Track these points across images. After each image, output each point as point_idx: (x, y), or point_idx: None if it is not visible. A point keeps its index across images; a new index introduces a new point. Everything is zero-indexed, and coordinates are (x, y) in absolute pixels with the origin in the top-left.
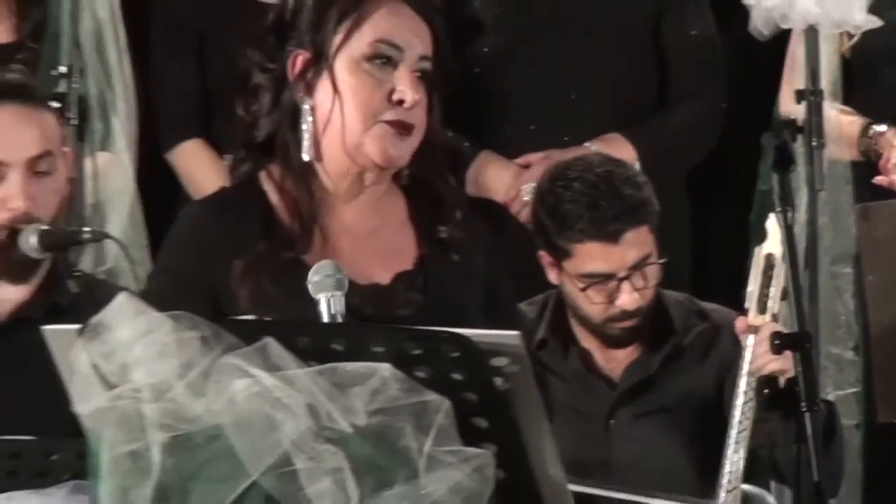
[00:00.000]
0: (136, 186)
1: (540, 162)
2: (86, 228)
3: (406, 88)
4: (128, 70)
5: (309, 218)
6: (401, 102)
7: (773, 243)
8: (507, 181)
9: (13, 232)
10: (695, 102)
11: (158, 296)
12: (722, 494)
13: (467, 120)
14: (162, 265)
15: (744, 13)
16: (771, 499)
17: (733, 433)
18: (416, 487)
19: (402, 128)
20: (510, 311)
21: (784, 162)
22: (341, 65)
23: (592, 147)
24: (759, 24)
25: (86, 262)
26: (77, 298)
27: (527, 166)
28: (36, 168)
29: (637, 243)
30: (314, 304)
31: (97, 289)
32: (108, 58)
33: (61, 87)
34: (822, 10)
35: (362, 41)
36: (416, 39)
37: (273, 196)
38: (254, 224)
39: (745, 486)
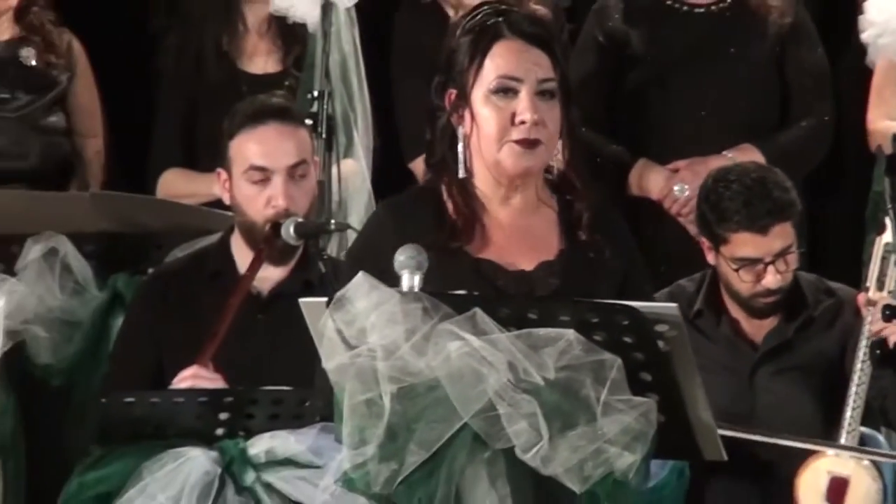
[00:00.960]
0: (371, 187)
1: (686, 167)
2: (332, 221)
3: (525, 111)
4: (366, 94)
5: (470, 217)
6: (522, 123)
7: (889, 234)
8: (660, 183)
9: (276, 224)
10: (809, 120)
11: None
12: (843, 434)
13: (628, 134)
14: (351, 253)
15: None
16: (882, 438)
17: (853, 387)
18: (594, 428)
19: (528, 144)
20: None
21: (894, 168)
22: (476, 99)
23: (729, 155)
24: (874, 57)
25: (332, 248)
26: (324, 277)
27: (676, 171)
28: (294, 174)
29: (782, 235)
30: (470, 283)
31: (340, 269)
32: (351, 84)
33: (314, 108)
34: None
35: (488, 78)
36: (533, 67)
37: (447, 201)
38: (427, 220)
39: (862, 429)
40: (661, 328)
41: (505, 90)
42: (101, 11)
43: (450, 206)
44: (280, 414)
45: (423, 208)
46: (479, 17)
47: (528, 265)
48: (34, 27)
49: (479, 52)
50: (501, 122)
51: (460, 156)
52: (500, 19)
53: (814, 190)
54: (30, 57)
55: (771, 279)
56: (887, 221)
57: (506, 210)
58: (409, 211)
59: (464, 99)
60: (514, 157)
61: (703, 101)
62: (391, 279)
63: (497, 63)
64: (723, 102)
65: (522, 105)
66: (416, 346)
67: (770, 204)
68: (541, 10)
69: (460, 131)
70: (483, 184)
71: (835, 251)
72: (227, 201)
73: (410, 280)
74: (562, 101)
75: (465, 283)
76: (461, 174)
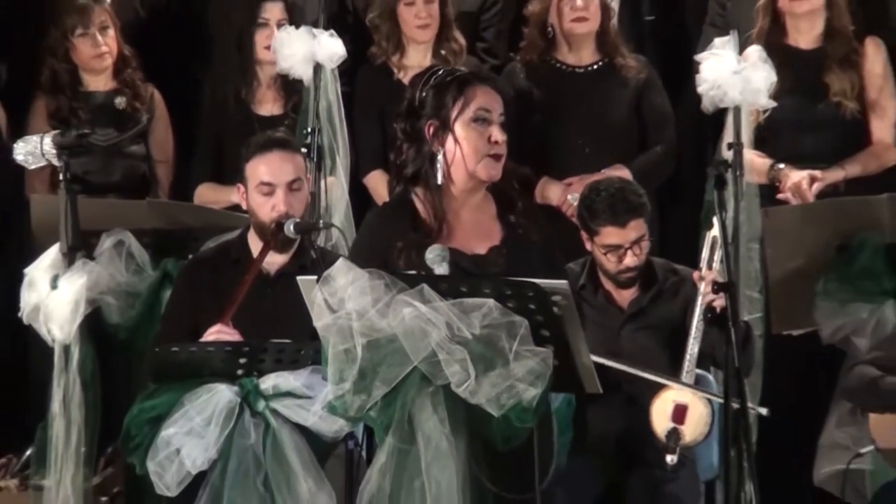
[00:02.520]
0: (349, 197)
1: (577, 182)
2: (321, 221)
3: (497, 135)
4: (345, 130)
5: (441, 216)
6: (496, 143)
7: (715, 230)
8: (558, 193)
9: (279, 224)
10: (660, 148)
11: (354, 262)
12: (683, 374)
13: (534, 158)
14: (354, 247)
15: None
16: (710, 377)
17: (690, 340)
18: (508, 370)
19: (498, 157)
20: (559, 268)
21: (720, 184)
22: (459, 127)
23: (607, 173)
24: (707, 104)
25: (320, 240)
26: (315, 262)
27: (569, 184)
28: (292, 187)
29: (637, 228)
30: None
31: (327, 256)
32: (335, 123)
33: (307, 140)
34: (742, 97)
35: (470, 111)
36: (497, 105)
37: (418, 205)
38: (405, 223)
39: (697, 370)
40: (555, 298)
41: (482, 119)
42: (162, 71)
43: (423, 208)
44: (282, 360)
45: (400, 213)
46: (444, 73)
47: (482, 250)
48: (126, 82)
49: (461, 93)
50: (481, 141)
51: (440, 169)
52: (471, 73)
53: (663, 197)
54: (121, 103)
55: (629, 260)
56: (714, 221)
57: (465, 209)
58: (390, 217)
59: (445, 128)
60: (488, 167)
61: (586, 135)
62: (392, 266)
63: (476, 100)
64: (600, 135)
65: (496, 130)
66: (380, 310)
67: (627, 205)
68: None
69: (439, 152)
70: (455, 189)
71: (678, 242)
72: (244, 207)
73: (441, 270)
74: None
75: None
76: (439, 181)
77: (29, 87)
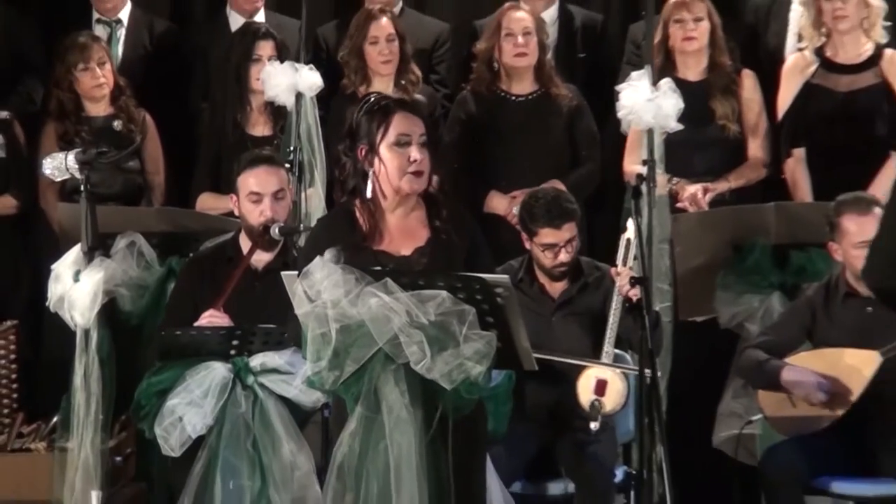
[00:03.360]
0: (325, 205)
1: (519, 195)
2: (301, 225)
3: (416, 154)
4: (322, 149)
5: (374, 224)
6: (415, 161)
7: (630, 232)
8: (504, 204)
9: (266, 227)
10: (588, 165)
11: (306, 260)
12: (604, 355)
13: (483, 174)
14: (304, 248)
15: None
16: (627, 356)
17: (610, 325)
18: (458, 351)
19: (418, 174)
20: (482, 268)
21: (636, 194)
22: (383, 149)
23: (546, 186)
24: (623, 127)
25: (301, 241)
26: (296, 259)
27: (514, 197)
28: (276, 196)
29: (569, 230)
30: (372, 266)
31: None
32: (314, 143)
33: (291, 157)
34: (655, 121)
35: (391, 136)
36: (417, 128)
37: (357, 214)
38: (344, 228)
39: (616, 350)
40: (498, 290)
41: (402, 143)
42: (165, 98)
43: (360, 217)
44: (269, 342)
45: (341, 221)
46: (372, 102)
47: (407, 251)
48: (122, 107)
49: (384, 120)
50: (402, 161)
51: (370, 184)
52: (393, 101)
53: (591, 205)
54: (118, 126)
55: (563, 257)
56: (630, 225)
57: (395, 216)
58: (333, 224)
59: (373, 150)
60: (410, 182)
61: (527, 154)
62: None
63: (397, 125)
64: (538, 154)
65: (415, 150)
66: (350, 300)
67: (561, 211)
68: (420, 97)
69: (370, 171)
70: (386, 200)
71: (601, 244)
72: (236, 213)
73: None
74: (429, 148)
75: (369, 266)
76: (369, 195)
77: (40, 113)
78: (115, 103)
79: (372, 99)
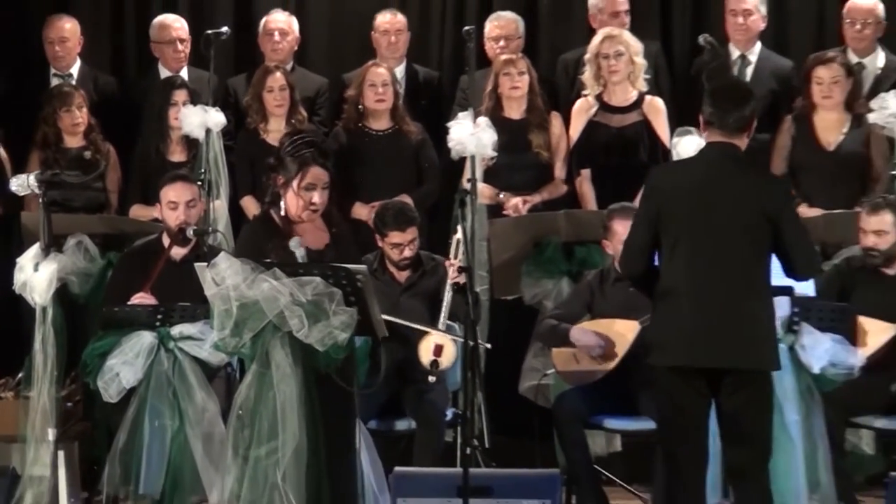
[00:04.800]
0: (228, 213)
1: (379, 205)
2: (209, 228)
3: (317, 199)
4: (226, 170)
5: (287, 229)
6: (313, 203)
7: (459, 233)
8: (366, 212)
9: (182, 229)
10: (429, 185)
11: (240, 254)
12: (440, 325)
13: (353, 189)
14: (238, 246)
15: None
16: (456, 327)
17: (444, 303)
18: (328, 322)
19: (315, 210)
20: (360, 259)
21: (462, 204)
22: (294, 188)
23: (395, 199)
24: (454, 155)
25: (210, 240)
26: (207, 254)
27: (373, 206)
28: (189, 205)
29: (411, 233)
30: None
31: (213, 250)
32: (219, 166)
33: (202, 177)
34: (476, 150)
35: (302, 182)
36: (323, 178)
37: (276, 219)
38: (265, 231)
39: (448, 322)
40: (359, 276)
41: (309, 189)
42: (112, 132)
43: (279, 222)
44: (185, 316)
45: (264, 224)
46: (298, 146)
47: (320, 247)
48: (91, 141)
49: (300, 169)
50: (306, 202)
51: (282, 205)
52: (309, 153)
53: (431, 214)
54: (88, 155)
55: (406, 253)
56: (458, 228)
57: (304, 227)
58: (258, 227)
59: (287, 185)
60: (308, 216)
61: (383, 175)
62: (260, 259)
63: (309, 175)
64: (392, 176)
65: (316, 195)
66: (248, 284)
67: (405, 218)
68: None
69: (282, 196)
70: (292, 216)
71: (439, 242)
72: (160, 218)
73: (300, 252)
74: (329, 189)
75: (292, 259)
76: (282, 213)
77: (25, 143)
78: (86, 137)
79: (299, 142)
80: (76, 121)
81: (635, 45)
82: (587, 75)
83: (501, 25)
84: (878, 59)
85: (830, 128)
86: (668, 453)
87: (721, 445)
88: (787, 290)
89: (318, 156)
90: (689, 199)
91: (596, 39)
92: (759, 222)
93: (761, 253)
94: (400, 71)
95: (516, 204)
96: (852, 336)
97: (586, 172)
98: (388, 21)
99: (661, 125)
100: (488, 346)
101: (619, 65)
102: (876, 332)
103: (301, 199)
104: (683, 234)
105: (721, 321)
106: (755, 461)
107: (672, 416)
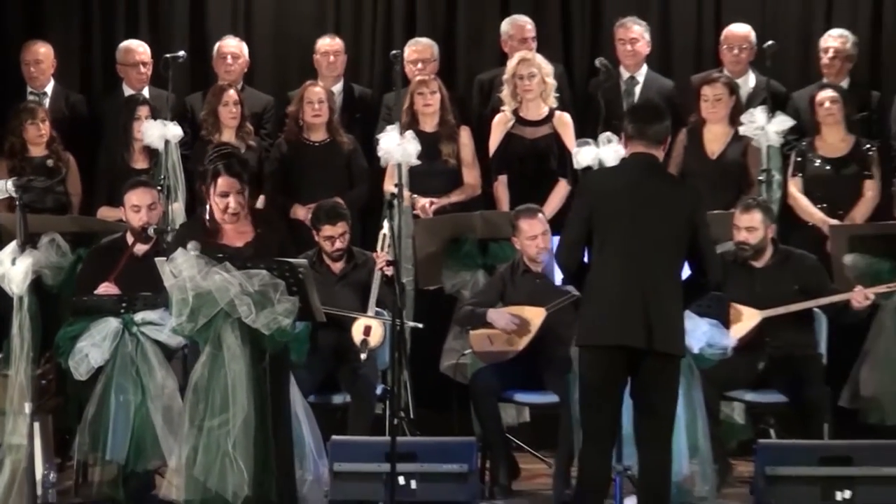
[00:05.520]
0: (185, 214)
1: (315, 207)
2: (168, 227)
3: (232, 204)
4: (183, 177)
5: (216, 228)
6: (228, 208)
7: (387, 230)
8: (304, 213)
9: (144, 228)
10: (360, 187)
11: (173, 248)
12: (370, 310)
13: (291, 193)
14: (174, 242)
15: None
16: (385, 312)
17: (373, 290)
18: (273, 309)
19: (233, 215)
20: (291, 255)
21: (391, 205)
22: (211, 196)
23: (329, 200)
24: (383, 163)
25: (168, 238)
26: (166, 250)
27: (310, 208)
28: (150, 207)
29: (342, 227)
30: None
31: (171, 247)
32: (177, 173)
33: (161, 182)
34: (402, 157)
35: (217, 190)
36: (235, 185)
37: (206, 220)
38: (198, 229)
39: (377, 308)
40: (300, 269)
41: (223, 196)
42: (76, 145)
43: (209, 224)
44: (146, 304)
45: (195, 224)
46: (213, 158)
47: (239, 244)
48: (53, 150)
49: (213, 179)
50: (222, 209)
51: (208, 210)
52: (222, 164)
53: (363, 214)
54: (51, 163)
55: (338, 245)
56: (386, 225)
57: (229, 227)
58: (190, 226)
59: (207, 193)
60: (229, 220)
61: (319, 180)
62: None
63: (221, 184)
64: (327, 180)
65: (231, 201)
66: (202, 276)
67: (335, 213)
68: (252, 148)
69: (206, 203)
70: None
71: (370, 238)
72: (124, 219)
73: (194, 253)
74: (248, 190)
75: (216, 254)
76: (207, 217)
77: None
78: (49, 147)
79: (214, 155)
80: (40, 132)
81: (547, 67)
82: (505, 93)
83: (419, 50)
84: (750, 79)
85: (715, 139)
86: (586, 421)
87: (633, 415)
88: None
89: (234, 165)
90: (618, 200)
91: (513, 62)
92: (680, 224)
93: (680, 252)
94: (338, 88)
95: (423, 205)
96: (726, 321)
97: (503, 178)
98: (328, 44)
99: (569, 137)
100: (420, 325)
101: (533, 84)
102: (746, 318)
103: (218, 206)
104: (611, 232)
105: (643, 309)
106: (662, 430)
107: (593, 390)
